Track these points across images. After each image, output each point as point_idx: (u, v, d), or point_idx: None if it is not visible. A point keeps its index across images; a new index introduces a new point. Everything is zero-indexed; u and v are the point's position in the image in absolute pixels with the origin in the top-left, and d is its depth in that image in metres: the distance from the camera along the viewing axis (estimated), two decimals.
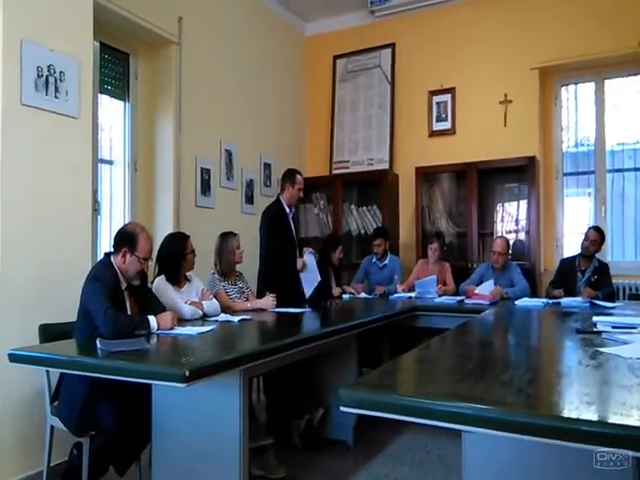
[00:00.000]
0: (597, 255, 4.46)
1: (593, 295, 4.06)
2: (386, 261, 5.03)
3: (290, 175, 4.19)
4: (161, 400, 2.38)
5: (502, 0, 5.41)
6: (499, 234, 5.13)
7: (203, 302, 3.21)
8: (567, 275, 4.45)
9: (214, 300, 3.33)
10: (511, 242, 5.06)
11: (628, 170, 5.24)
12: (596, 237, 4.35)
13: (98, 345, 2.22)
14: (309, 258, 4.13)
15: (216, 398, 2.25)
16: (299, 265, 4.05)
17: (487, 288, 4.28)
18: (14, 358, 2.23)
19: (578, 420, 1.19)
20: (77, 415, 2.39)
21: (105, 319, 2.38)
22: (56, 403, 2.53)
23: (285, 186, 4.18)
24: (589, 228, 4.46)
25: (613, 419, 1.20)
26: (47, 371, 2.49)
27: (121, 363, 2.00)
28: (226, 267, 3.66)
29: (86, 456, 2.38)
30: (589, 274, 4.37)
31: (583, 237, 4.42)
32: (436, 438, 3.40)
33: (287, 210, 4.16)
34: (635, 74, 5.13)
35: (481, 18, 5.50)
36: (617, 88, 5.28)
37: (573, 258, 4.52)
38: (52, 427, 2.53)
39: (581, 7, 5.07)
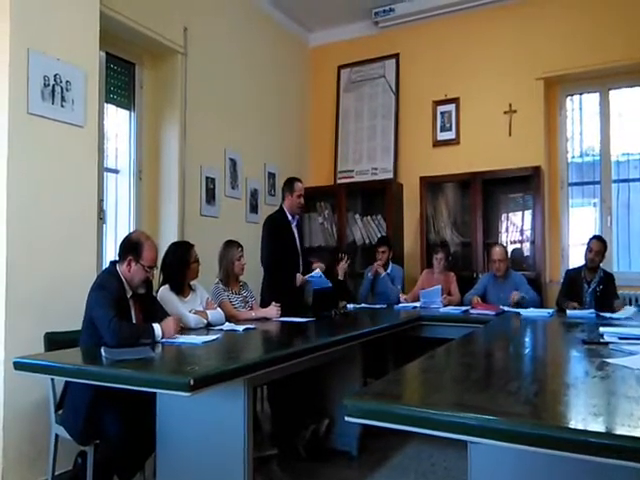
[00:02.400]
0: (602, 265, 4.44)
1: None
2: (388, 270, 5.02)
3: (289, 183, 4.22)
4: (165, 409, 2.38)
5: (507, 10, 5.42)
6: (503, 244, 5.12)
7: (207, 311, 3.21)
8: (573, 286, 4.43)
9: (218, 309, 3.33)
10: (516, 252, 5.05)
11: (634, 180, 5.22)
12: (600, 247, 4.33)
13: (103, 353, 2.22)
14: (313, 277, 4.09)
15: (220, 407, 2.24)
16: (298, 281, 4.03)
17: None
18: (19, 366, 2.23)
19: (585, 431, 1.18)
20: (81, 424, 2.39)
21: (110, 328, 2.38)
22: (61, 412, 2.53)
23: (285, 195, 4.20)
24: (591, 239, 4.42)
25: (621, 430, 1.19)
26: (52, 379, 2.49)
27: (126, 372, 2.00)
28: (225, 276, 3.66)
29: (90, 465, 2.38)
30: (595, 285, 4.35)
31: (586, 248, 4.40)
32: (441, 449, 3.38)
33: (290, 218, 4.17)
34: None
35: (485, 28, 5.52)
36: (622, 98, 5.28)
37: (578, 269, 4.50)
38: (57, 436, 2.54)
39: (586, 17, 5.08)
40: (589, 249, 4.35)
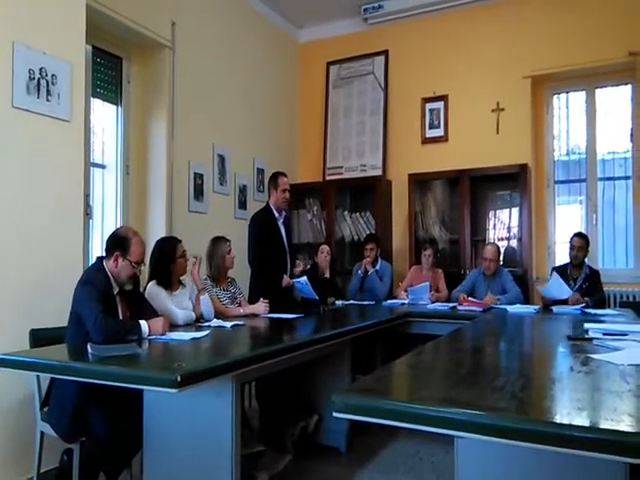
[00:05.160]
0: (587, 262, 4.50)
1: (582, 302, 4.09)
2: (377, 267, 5.03)
3: (273, 179, 4.18)
4: (152, 406, 2.37)
5: (495, 9, 5.45)
6: (491, 241, 5.16)
7: (201, 297, 3.25)
8: None
9: (207, 295, 3.32)
10: (503, 249, 5.07)
11: (619, 178, 5.28)
12: (581, 243, 4.40)
13: (89, 350, 2.21)
14: (300, 284, 4.05)
15: (208, 404, 2.24)
16: (284, 282, 4.01)
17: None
18: (3, 363, 2.20)
19: (570, 426, 1.19)
20: (67, 421, 2.37)
21: (96, 324, 2.37)
22: (46, 409, 2.51)
23: (270, 190, 4.17)
24: (572, 236, 4.49)
25: (604, 425, 1.20)
26: (37, 376, 2.47)
27: (112, 368, 1.98)
28: (216, 272, 3.65)
29: (77, 462, 2.36)
30: (580, 282, 4.39)
31: (569, 247, 4.46)
32: (429, 444, 3.40)
33: (277, 215, 4.14)
34: (625, 83, 5.17)
35: (474, 26, 5.54)
36: (608, 97, 5.33)
37: (564, 266, 4.55)
38: (42, 433, 2.51)
39: (572, 17, 5.12)
40: (571, 246, 4.44)
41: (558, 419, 1.26)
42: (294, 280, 4.06)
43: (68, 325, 2.54)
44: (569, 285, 4.40)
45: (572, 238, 4.47)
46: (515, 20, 5.36)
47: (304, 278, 4.06)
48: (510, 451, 1.56)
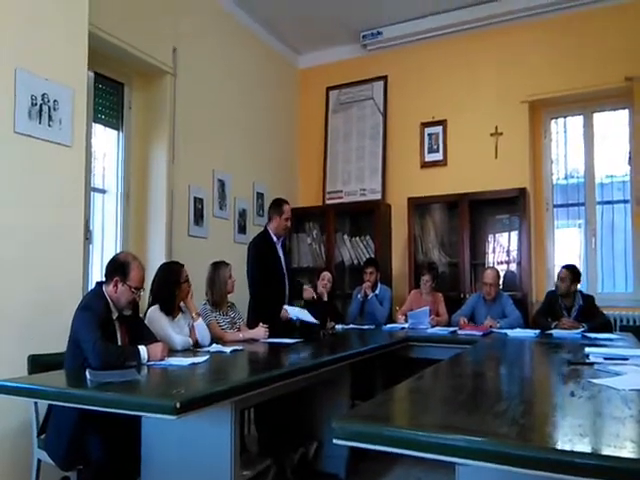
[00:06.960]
0: (582, 289, 4.46)
1: (577, 327, 4.07)
2: (377, 291, 5.01)
3: (276, 206, 4.15)
4: (151, 432, 2.34)
5: (493, 34, 5.53)
6: (490, 265, 5.15)
7: (195, 323, 3.22)
8: (554, 308, 4.42)
9: (200, 320, 3.29)
10: (503, 273, 5.07)
11: (617, 202, 5.30)
12: (566, 274, 4.35)
13: (87, 376, 2.19)
14: (296, 311, 3.93)
15: (207, 430, 2.21)
16: (282, 315, 3.89)
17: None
18: (1, 389, 2.19)
19: (572, 452, 1.18)
20: (65, 448, 2.34)
21: (94, 350, 2.35)
22: (43, 436, 2.48)
23: (272, 216, 4.14)
24: (561, 268, 4.46)
25: (606, 451, 1.19)
26: (35, 403, 2.44)
27: (110, 395, 1.97)
28: (218, 297, 3.64)
29: None
30: (575, 313, 4.34)
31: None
32: (430, 471, 3.35)
33: (275, 239, 4.13)
34: (623, 108, 5.23)
35: (472, 52, 5.62)
36: (605, 121, 5.38)
37: (555, 292, 4.51)
38: (39, 461, 2.48)
39: (569, 43, 5.19)
40: (559, 279, 4.40)
41: (560, 445, 1.25)
42: (290, 315, 3.91)
43: (67, 351, 2.53)
44: (562, 315, 4.34)
45: (560, 270, 4.44)
46: (513, 46, 5.44)
47: (298, 311, 3.94)
48: (511, 478, 1.54)
